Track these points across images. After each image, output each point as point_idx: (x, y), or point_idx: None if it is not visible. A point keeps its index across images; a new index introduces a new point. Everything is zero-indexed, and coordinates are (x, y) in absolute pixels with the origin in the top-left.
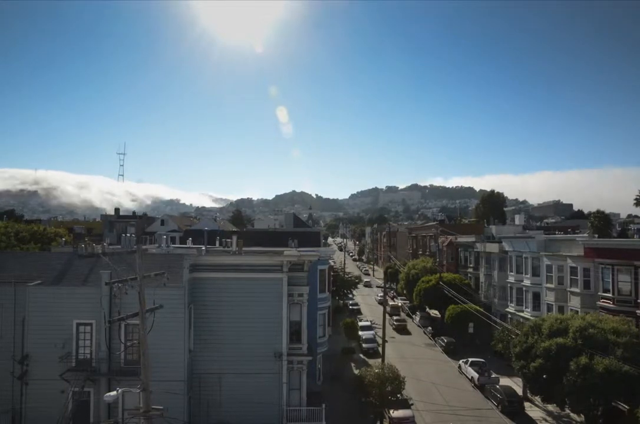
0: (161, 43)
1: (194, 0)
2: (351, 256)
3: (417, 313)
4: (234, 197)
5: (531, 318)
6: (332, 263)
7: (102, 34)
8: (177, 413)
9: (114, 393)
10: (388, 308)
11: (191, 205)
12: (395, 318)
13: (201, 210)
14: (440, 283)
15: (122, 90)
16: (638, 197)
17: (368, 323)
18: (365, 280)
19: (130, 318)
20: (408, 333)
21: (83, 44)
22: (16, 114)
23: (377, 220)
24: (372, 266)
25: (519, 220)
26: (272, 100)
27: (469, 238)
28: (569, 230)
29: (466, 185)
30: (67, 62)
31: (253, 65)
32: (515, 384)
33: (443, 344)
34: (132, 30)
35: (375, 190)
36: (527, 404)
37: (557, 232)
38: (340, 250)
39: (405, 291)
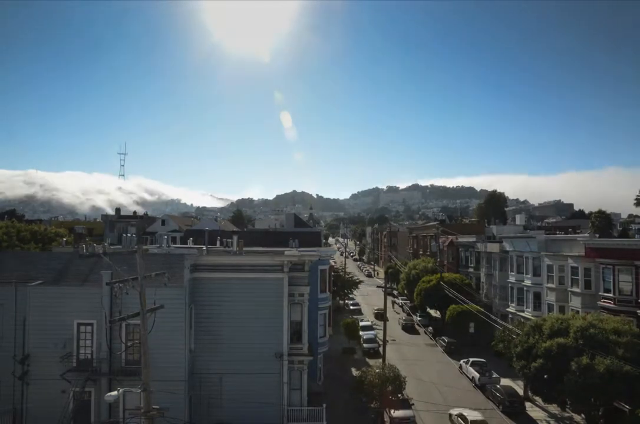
0: (171, 48)
1: (201, 1)
2: (352, 256)
3: (418, 312)
4: (234, 197)
5: (532, 318)
6: (333, 263)
7: (114, 39)
8: (177, 413)
9: (114, 393)
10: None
11: (192, 205)
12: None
13: (202, 210)
14: (441, 283)
15: (127, 92)
16: (638, 197)
17: (369, 323)
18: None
19: (131, 318)
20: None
21: (92, 46)
22: (17, 115)
23: (378, 220)
24: (372, 266)
25: (519, 219)
26: (274, 103)
27: (470, 238)
28: (570, 229)
29: (467, 185)
30: (74, 62)
31: (257, 70)
32: (516, 385)
33: (444, 344)
34: (139, 33)
35: (376, 190)
36: (528, 404)
37: (558, 232)
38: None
39: (406, 291)
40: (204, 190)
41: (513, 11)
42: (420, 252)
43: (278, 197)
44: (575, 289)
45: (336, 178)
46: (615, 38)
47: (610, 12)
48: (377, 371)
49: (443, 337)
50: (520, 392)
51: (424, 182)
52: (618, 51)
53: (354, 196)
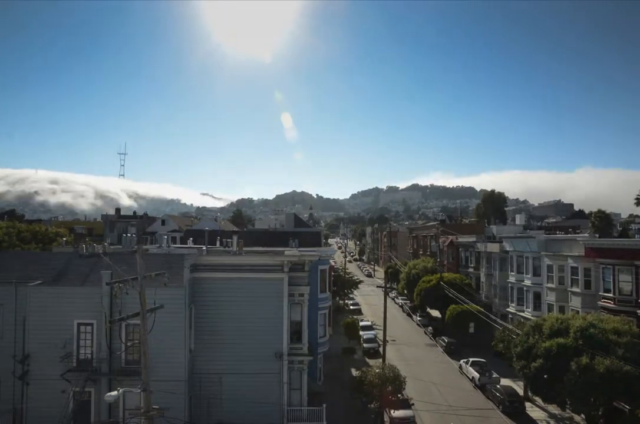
0: (171, 49)
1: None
2: (352, 256)
3: (418, 312)
4: (234, 197)
5: (532, 318)
6: (333, 263)
7: (114, 39)
8: (177, 413)
9: (114, 393)
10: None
11: (192, 205)
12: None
13: (202, 210)
14: (441, 283)
15: (127, 92)
16: (639, 197)
17: (369, 323)
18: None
19: (131, 318)
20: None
21: (91, 46)
22: (16, 114)
23: (378, 220)
24: (372, 266)
25: (519, 219)
26: (274, 103)
27: (470, 238)
28: (570, 229)
29: (467, 185)
30: (72, 63)
31: (258, 71)
32: (516, 385)
33: (444, 344)
34: (139, 34)
35: (376, 190)
36: (528, 404)
37: (557, 232)
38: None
39: (406, 291)
40: (204, 190)
41: (525, 11)
42: (420, 252)
43: (278, 197)
44: (575, 289)
45: (336, 178)
46: (628, 38)
47: (623, 11)
48: (377, 371)
49: (443, 337)
50: (520, 392)
51: (423, 182)
52: (631, 51)
53: (354, 196)
